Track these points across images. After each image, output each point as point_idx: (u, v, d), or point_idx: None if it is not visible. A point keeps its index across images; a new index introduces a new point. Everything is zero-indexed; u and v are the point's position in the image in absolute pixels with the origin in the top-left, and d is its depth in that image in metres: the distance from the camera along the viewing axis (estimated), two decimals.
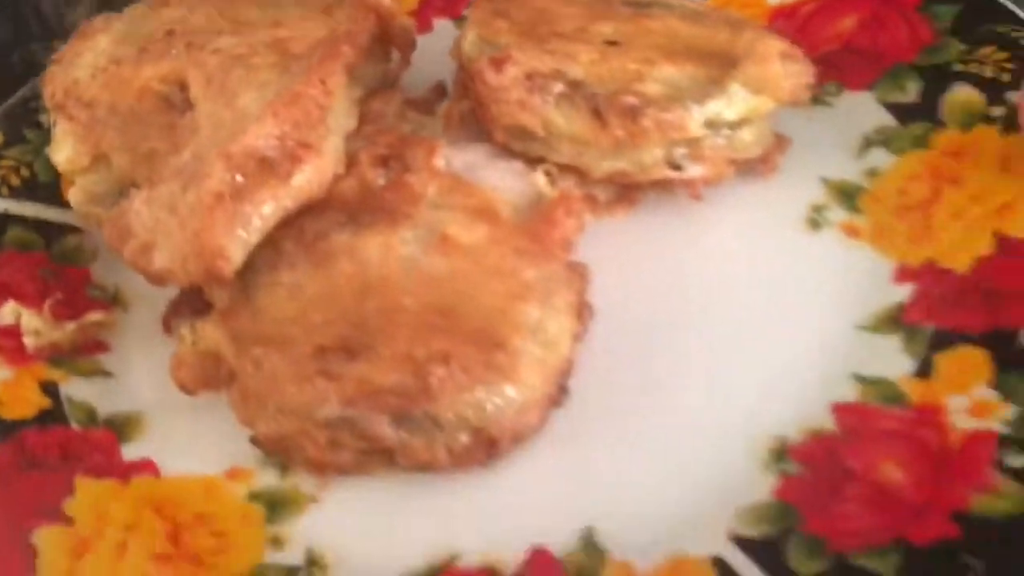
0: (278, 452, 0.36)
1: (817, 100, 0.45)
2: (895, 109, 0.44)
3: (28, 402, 0.38)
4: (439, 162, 0.41)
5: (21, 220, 0.44)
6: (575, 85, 0.40)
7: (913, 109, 0.44)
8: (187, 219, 0.37)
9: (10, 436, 0.37)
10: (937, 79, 0.44)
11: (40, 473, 0.35)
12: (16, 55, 0.74)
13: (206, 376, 0.38)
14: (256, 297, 0.38)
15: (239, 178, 0.37)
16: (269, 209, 0.38)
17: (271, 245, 0.39)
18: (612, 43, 0.42)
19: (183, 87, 0.43)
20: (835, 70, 0.46)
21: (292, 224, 0.40)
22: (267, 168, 0.38)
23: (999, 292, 0.36)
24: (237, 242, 0.37)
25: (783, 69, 0.41)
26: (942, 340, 0.36)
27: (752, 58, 0.41)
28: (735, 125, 0.42)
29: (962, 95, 0.43)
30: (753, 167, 0.43)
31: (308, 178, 0.39)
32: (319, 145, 0.40)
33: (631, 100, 0.39)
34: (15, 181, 0.46)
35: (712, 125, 0.41)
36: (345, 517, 0.35)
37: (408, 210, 0.39)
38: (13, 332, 0.40)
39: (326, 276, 0.38)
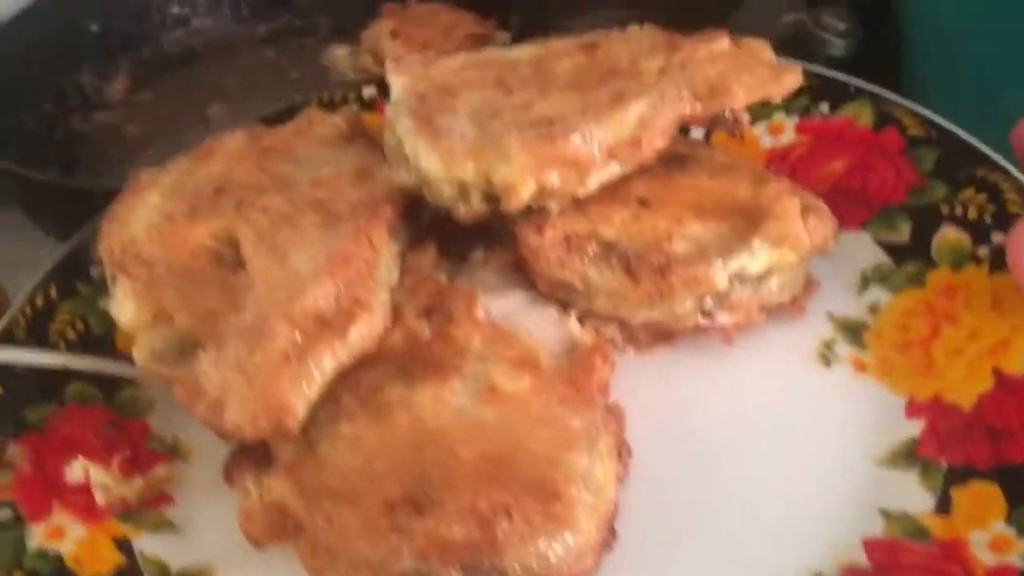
0: None
1: None
2: (889, 248, 0.49)
3: (105, 560, 0.40)
4: (479, 312, 0.44)
5: (80, 374, 0.46)
6: (609, 245, 0.44)
7: (906, 248, 0.48)
8: (255, 378, 0.39)
9: None
10: (926, 220, 0.48)
11: None
12: (59, 129, 0.79)
13: (274, 528, 0.40)
14: (319, 449, 0.41)
15: (299, 337, 0.41)
16: (328, 365, 0.41)
17: (330, 398, 0.42)
18: (644, 202, 0.46)
19: (234, 244, 0.46)
20: (831, 210, 0.51)
21: (348, 377, 0.43)
22: (325, 325, 0.41)
23: (1002, 429, 0.40)
24: (301, 398, 0.40)
25: (805, 224, 0.45)
26: (956, 475, 0.39)
27: (774, 215, 0.44)
28: (761, 277, 0.45)
29: (950, 236, 0.47)
30: (784, 311, 0.47)
31: (362, 333, 0.42)
32: (370, 301, 0.43)
33: (660, 259, 0.43)
34: (71, 335, 0.48)
35: (738, 278, 0.45)
36: None
37: (455, 362, 0.42)
38: (83, 489, 0.42)
39: (384, 428, 0.40)
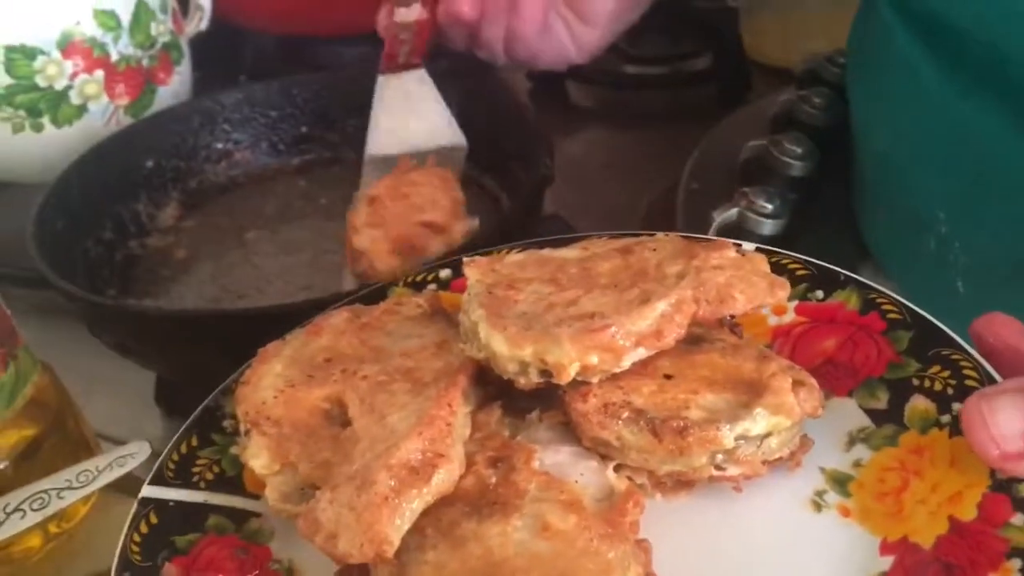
0: None
1: None
2: (871, 413, 0.59)
3: None
4: (535, 463, 0.56)
5: (217, 508, 0.58)
6: (639, 411, 0.55)
7: (884, 414, 0.58)
8: (362, 515, 0.51)
9: None
10: (901, 390, 0.59)
11: None
12: (118, 253, 0.93)
13: None
14: (409, 572, 0.52)
15: (395, 483, 0.52)
16: (417, 505, 0.52)
17: (417, 531, 0.53)
18: (668, 376, 0.57)
19: (342, 406, 0.59)
20: (823, 379, 0.62)
21: (431, 514, 0.54)
22: (414, 473, 0.53)
23: (954, 564, 0.50)
24: (396, 531, 0.51)
25: (797, 396, 0.56)
26: None
27: (771, 390, 0.55)
28: (762, 437, 0.56)
29: (920, 405, 0.58)
30: (782, 463, 0.58)
31: (443, 479, 0.53)
32: (449, 453, 0.55)
33: (679, 423, 0.54)
34: (209, 476, 0.60)
35: (743, 438, 0.55)
36: None
37: (516, 502, 0.53)
38: None
39: (460, 556, 0.51)
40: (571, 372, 0.54)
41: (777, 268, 0.67)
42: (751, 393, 0.56)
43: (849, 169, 0.88)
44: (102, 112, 1.01)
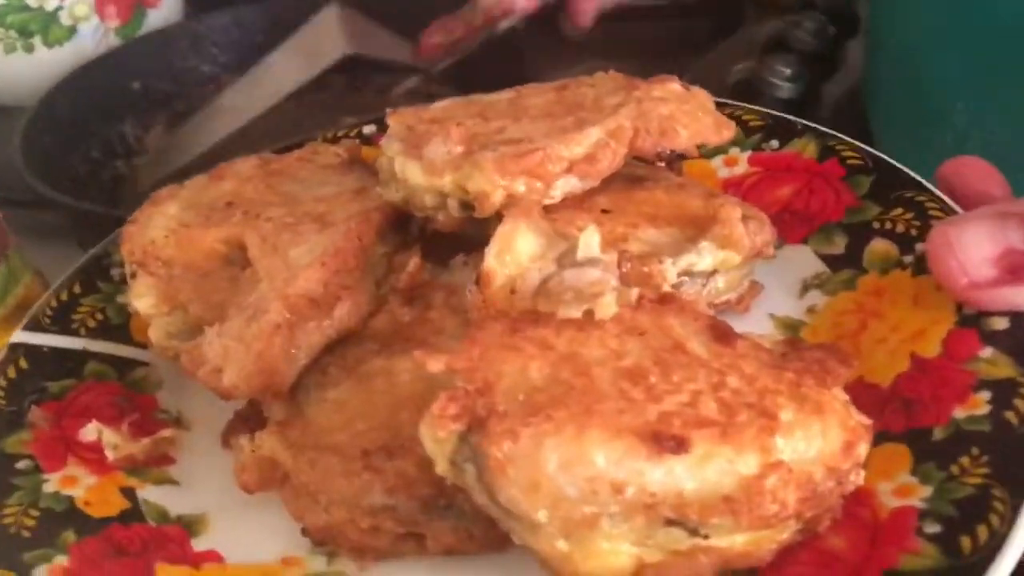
0: (325, 541, 0.43)
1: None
2: (827, 259, 0.54)
3: (112, 504, 0.45)
4: (454, 300, 0.50)
5: (97, 356, 0.52)
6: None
7: (841, 259, 0.53)
8: (252, 345, 0.45)
9: (99, 530, 0.43)
10: (859, 234, 0.54)
11: (128, 560, 0.42)
12: (106, 172, 0.89)
13: (263, 478, 0.45)
14: (307, 411, 0.46)
15: (290, 314, 0.46)
16: (315, 338, 0.47)
17: (318, 369, 0.47)
18: (605, 211, 0.52)
19: (242, 248, 0.52)
20: (776, 227, 0.56)
21: (335, 351, 0.48)
22: (314, 305, 0.47)
23: (914, 400, 0.45)
24: (291, 362, 0.46)
25: (744, 229, 0.50)
26: (872, 440, 0.44)
27: (718, 221, 0.50)
28: (708, 275, 0.51)
29: (880, 247, 0.52)
30: (730, 308, 0.52)
31: (347, 312, 0.48)
32: (356, 287, 0.49)
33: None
34: (92, 323, 0.54)
35: (687, 275, 0.50)
36: None
37: (432, 339, 0.47)
38: (95, 447, 0.47)
39: (365, 393, 0.46)
40: (495, 201, 0.48)
41: (733, 120, 0.62)
42: (696, 227, 0.51)
43: (865, 74, 0.85)
44: (92, 33, 0.97)
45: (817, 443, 0.40)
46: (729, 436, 0.39)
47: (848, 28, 0.91)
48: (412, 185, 0.50)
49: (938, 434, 0.43)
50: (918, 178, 0.55)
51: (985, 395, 0.43)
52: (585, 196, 0.51)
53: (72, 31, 0.96)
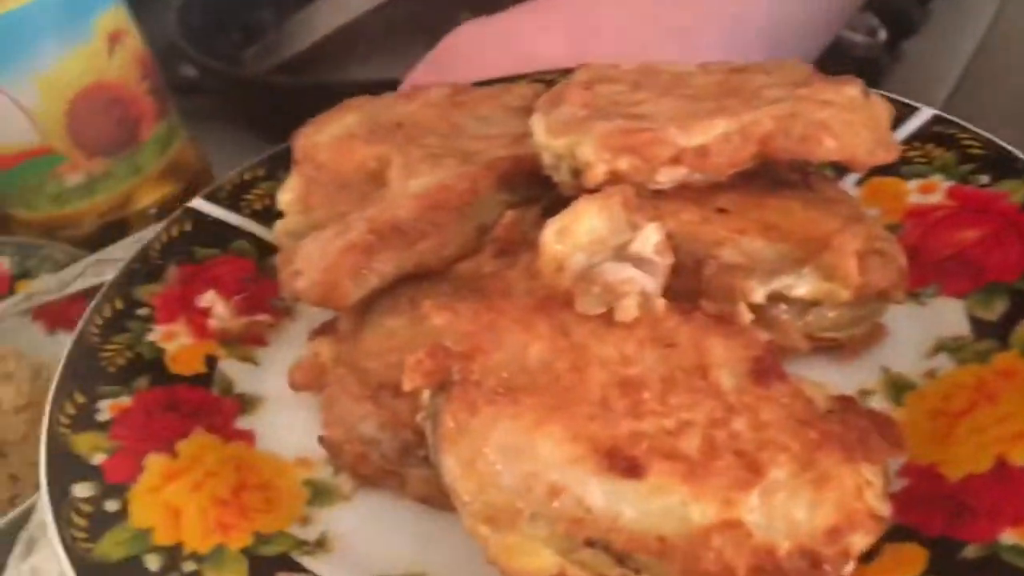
0: (331, 453, 0.45)
1: (914, 296, 0.49)
2: (976, 323, 0.46)
3: (192, 365, 0.50)
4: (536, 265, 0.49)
5: (248, 235, 0.58)
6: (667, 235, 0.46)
7: (990, 327, 0.46)
8: (325, 258, 0.48)
9: (169, 385, 0.49)
10: (1023, 304, 0.46)
11: (174, 416, 0.48)
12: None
13: (309, 380, 0.48)
14: (364, 332, 0.48)
15: (373, 237, 0.48)
16: (388, 265, 0.48)
17: (392, 294, 0.49)
18: (722, 210, 0.48)
19: (388, 167, 0.55)
20: (942, 274, 0.49)
21: (418, 286, 0.50)
22: (399, 234, 0.49)
23: (969, 506, 0.38)
24: (359, 282, 0.48)
25: (863, 264, 0.44)
26: (899, 534, 0.38)
27: (830, 248, 0.45)
28: (809, 305, 0.46)
29: None
30: (834, 347, 0.47)
31: (428, 248, 0.49)
32: (447, 226, 0.50)
33: (701, 259, 0.45)
34: (258, 206, 0.60)
35: (782, 299, 0.45)
36: (361, 519, 0.44)
37: (494, 297, 0.47)
38: (205, 313, 0.53)
39: (413, 331, 0.47)
40: (598, 173, 0.47)
41: (949, 141, 0.54)
42: (807, 249, 0.46)
43: None
44: None
45: (798, 515, 0.36)
46: (694, 478, 0.36)
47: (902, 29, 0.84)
48: (536, 141, 0.50)
49: (970, 552, 0.37)
50: None
51: None
52: (707, 189, 0.48)
53: None
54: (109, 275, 0.55)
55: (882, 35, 0.81)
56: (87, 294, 0.59)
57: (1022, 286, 0.47)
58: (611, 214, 0.44)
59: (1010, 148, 0.52)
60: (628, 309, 0.41)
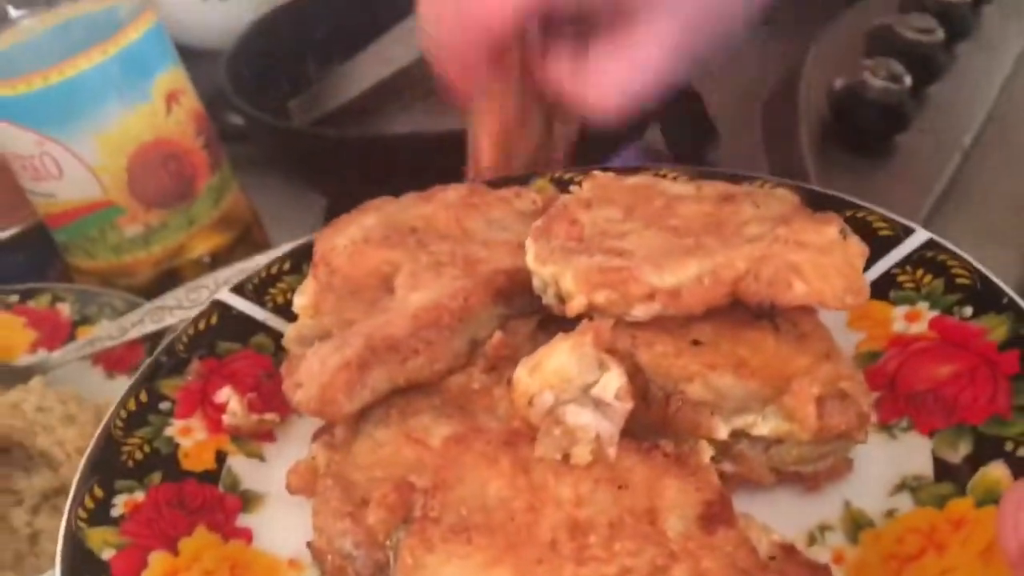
0: (316, 559, 0.49)
1: (886, 428, 0.51)
2: (939, 464, 0.48)
3: (202, 461, 0.55)
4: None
5: (268, 330, 0.62)
6: (637, 368, 0.48)
7: (951, 470, 0.47)
8: (325, 372, 0.51)
9: (179, 481, 0.54)
10: (986, 451, 0.47)
11: (180, 513, 0.52)
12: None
13: (304, 484, 0.52)
14: (355, 441, 0.52)
15: (368, 354, 0.52)
16: (382, 383, 0.52)
17: (385, 404, 0.53)
18: (696, 342, 0.50)
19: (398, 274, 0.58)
20: (915, 408, 0.51)
21: (410, 398, 0.53)
22: (393, 351, 0.52)
23: None
24: (352, 397, 0.51)
25: (821, 409, 0.46)
26: None
27: (791, 392, 0.47)
28: (771, 443, 0.48)
29: (995, 474, 0.46)
30: (799, 480, 0.49)
31: (418, 367, 0.52)
32: (438, 344, 0.53)
33: (668, 395, 0.48)
34: (280, 300, 0.64)
35: (744, 436, 0.48)
36: None
37: (475, 415, 0.51)
38: (221, 409, 0.57)
39: (399, 445, 0.50)
40: (576, 305, 0.49)
41: (938, 268, 0.55)
42: (774, 389, 0.48)
43: None
44: None
45: None
46: None
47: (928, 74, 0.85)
48: (528, 264, 0.53)
49: None
50: None
51: None
52: (684, 320, 0.50)
53: None
54: (167, 321, 0.59)
55: (907, 81, 0.81)
56: (144, 340, 0.64)
57: (987, 430, 0.48)
58: (582, 353, 0.47)
59: (998, 282, 0.53)
60: (582, 455, 0.43)
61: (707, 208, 0.54)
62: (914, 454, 0.49)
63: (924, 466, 0.48)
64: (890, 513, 0.47)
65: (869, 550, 0.46)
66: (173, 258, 0.73)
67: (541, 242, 0.52)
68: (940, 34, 0.87)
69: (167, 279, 0.73)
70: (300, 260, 0.66)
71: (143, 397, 0.57)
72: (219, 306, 0.63)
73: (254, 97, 0.88)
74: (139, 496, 0.52)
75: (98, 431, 0.55)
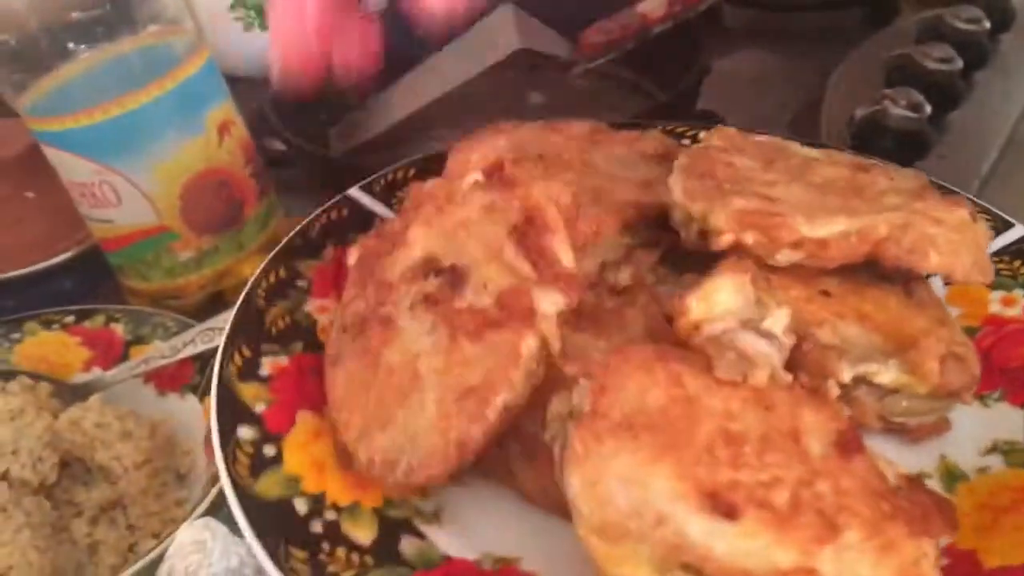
0: None
1: (980, 397, 0.55)
2: None
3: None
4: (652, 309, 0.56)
5: None
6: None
7: None
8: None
9: (319, 352, 0.56)
10: None
11: (322, 381, 0.55)
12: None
13: None
14: None
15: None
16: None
17: None
18: (825, 292, 0.54)
19: None
20: (1008, 381, 0.56)
21: None
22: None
23: None
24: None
25: (942, 367, 0.51)
26: None
27: (918, 348, 0.51)
28: (888, 391, 0.53)
29: None
30: (902, 431, 0.54)
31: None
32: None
33: (801, 335, 0.52)
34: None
35: (864, 382, 0.52)
36: (472, 501, 0.51)
37: (615, 333, 0.54)
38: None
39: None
40: (723, 241, 0.53)
41: None
42: (899, 345, 0.52)
43: None
44: None
45: (863, 572, 0.43)
46: (781, 526, 0.43)
47: (946, 102, 0.88)
48: (672, 196, 0.56)
49: None
50: None
51: None
52: (815, 271, 0.54)
53: None
54: (217, 342, 0.59)
55: (927, 109, 0.84)
56: (195, 359, 0.67)
57: None
58: (743, 290, 0.50)
59: None
60: (761, 379, 0.47)
61: (844, 173, 0.58)
62: (1006, 421, 0.54)
63: (1015, 432, 0.53)
64: (982, 470, 0.52)
65: (964, 500, 0.51)
66: (219, 281, 0.75)
67: (692, 179, 0.56)
68: (958, 63, 0.89)
69: (214, 299, 0.75)
70: (426, 168, 0.68)
71: (282, 272, 0.60)
72: (348, 200, 0.66)
73: (295, 122, 0.89)
74: (283, 360, 0.55)
75: (240, 297, 0.58)
